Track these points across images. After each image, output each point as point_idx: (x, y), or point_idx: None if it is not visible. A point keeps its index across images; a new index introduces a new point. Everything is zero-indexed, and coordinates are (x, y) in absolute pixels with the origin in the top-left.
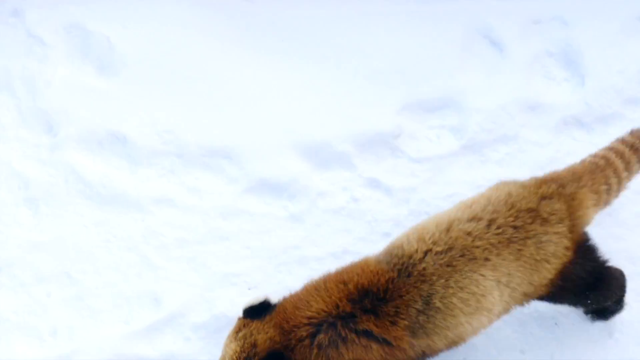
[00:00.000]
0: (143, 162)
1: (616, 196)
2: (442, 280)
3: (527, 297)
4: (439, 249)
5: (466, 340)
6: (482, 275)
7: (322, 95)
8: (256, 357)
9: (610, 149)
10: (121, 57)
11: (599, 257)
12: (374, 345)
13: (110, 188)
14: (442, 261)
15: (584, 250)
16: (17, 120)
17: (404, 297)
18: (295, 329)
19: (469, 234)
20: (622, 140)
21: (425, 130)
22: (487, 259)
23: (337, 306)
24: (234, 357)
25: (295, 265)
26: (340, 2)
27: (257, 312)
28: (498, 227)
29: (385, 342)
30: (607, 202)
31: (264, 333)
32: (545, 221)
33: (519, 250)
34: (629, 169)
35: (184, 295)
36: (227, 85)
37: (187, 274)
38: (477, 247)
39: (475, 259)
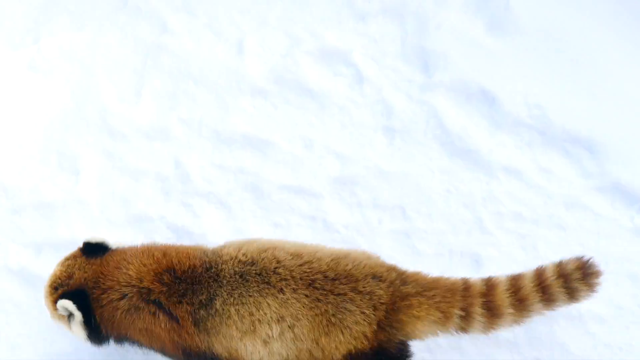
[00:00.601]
0: (504, 128)
1: (489, 328)
2: (229, 288)
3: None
4: (243, 259)
5: None
6: (268, 303)
7: None
8: (65, 287)
9: (516, 284)
10: (515, 20)
11: None
12: (162, 316)
13: (465, 142)
14: (238, 269)
15: (384, 354)
16: (398, 52)
17: (194, 286)
18: (108, 289)
19: (278, 260)
20: (544, 280)
21: None
22: (281, 290)
23: (144, 278)
24: (52, 279)
25: (625, 279)
26: None
27: (94, 249)
28: (310, 268)
29: (172, 316)
30: (464, 329)
31: (83, 271)
32: (359, 293)
33: (317, 299)
34: (521, 308)
35: (504, 268)
36: (612, 80)
37: (514, 249)
38: (278, 274)
39: (269, 283)
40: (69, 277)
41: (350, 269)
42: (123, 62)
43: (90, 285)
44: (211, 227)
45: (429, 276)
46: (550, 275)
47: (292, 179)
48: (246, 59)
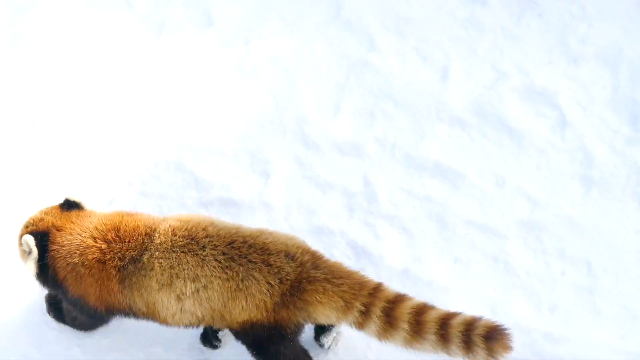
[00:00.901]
0: None
1: (383, 336)
2: (159, 242)
3: (222, 322)
4: (181, 219)
5: (161, 319)
6: (187, 260)
7: None
8: (34, 227)
9: (423, 310)
10: None
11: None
12: (95, 269)
13: None
14: (172, 224)
15: (279, 331)
16: (607, 100)
17: (129, 243)
18: (64, 236)
19: (211, 222)
20: (449, 320)
21: None
22: (203, 247)
23: (94, 232)
24: (29, 219)
25: None
26: None
27: (72, 206)
28: (235, 231)
29: (104, 270)
30: (361, 325)
31: (53, 218)
32: (268, 265)
33: (232, 259)
34: (416, 331)
35: None
36: None
37: None
38: (205, 231)
39: (194, 239)
40: (40, 220)
41: (267, 243)
42: (326, 74)
43: (54, 231)
44: (390, 252)
45: (348, 268)
46: (457, 320)
47: (479, 215)
48: (449, 86)
